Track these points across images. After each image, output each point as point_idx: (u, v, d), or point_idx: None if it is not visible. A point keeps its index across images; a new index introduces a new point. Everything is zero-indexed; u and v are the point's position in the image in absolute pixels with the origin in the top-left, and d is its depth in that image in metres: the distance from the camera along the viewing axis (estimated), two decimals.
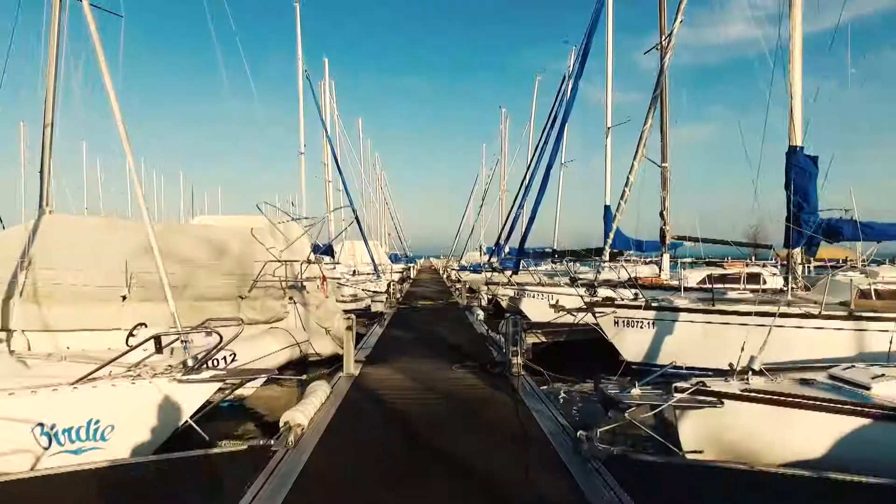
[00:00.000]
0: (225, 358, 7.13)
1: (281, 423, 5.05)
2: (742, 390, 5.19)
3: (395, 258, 43.64)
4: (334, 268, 27.87)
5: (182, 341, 5.43)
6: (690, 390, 5.21)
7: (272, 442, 4.63)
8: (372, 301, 20.19)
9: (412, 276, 40.86)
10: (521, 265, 30.00)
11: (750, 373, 5.47)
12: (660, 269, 15.21)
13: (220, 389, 5.90)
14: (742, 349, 5.88)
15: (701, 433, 5.29)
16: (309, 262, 11.46)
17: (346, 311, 15.79)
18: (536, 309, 14.41)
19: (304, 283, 11.12)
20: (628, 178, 10.53)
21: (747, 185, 8.87)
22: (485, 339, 10.73)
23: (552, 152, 15.66)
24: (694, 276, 15.74)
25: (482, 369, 7.70)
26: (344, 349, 7.30)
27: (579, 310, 10.46)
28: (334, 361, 10.13)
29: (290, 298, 10.47)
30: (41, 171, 9.65)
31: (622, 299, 10.22)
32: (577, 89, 15.10)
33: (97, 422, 4.68)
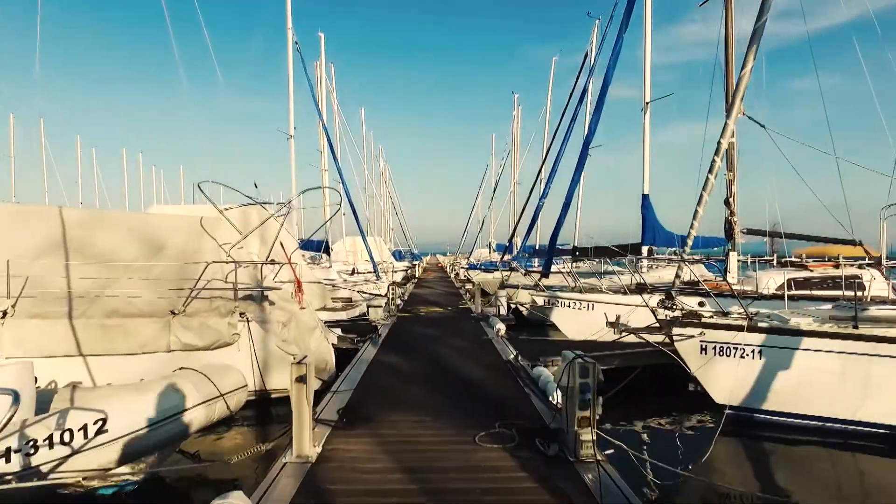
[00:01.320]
0: (85, 427, 4.14)
1: None
2: None
3: (398, 255, 40.72)
4: (330, 266, 25.01)
5: None
6: None
7: None
8: (369, 306, 17.21)
9: (417, 275, 37.83)
10: (540, 263, 27.01)
11: None
12: (725, 270, 12.10)
13: None
14: None
15: None
16: (273, 261, 8.46)
17: (330, 325, 12.86)
18: (573, 322, 11.37)
19: (268, 292, 8.13)
20: (719, 143, 7.47)
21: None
22: (515, 371, 7.69)
23: (591, 126, 12.59)
24: (766, 280, 12.63)
25: (525, 443, 4.66)
26: (293, 417, 4.28)
27: (650, 330, 7.43)
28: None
29: (242, 314, 7.49)
30: None
31: (711, 316, 7.16)
32: (621, 45, 11.98)
33: None
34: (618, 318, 7.40)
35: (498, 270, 27.20)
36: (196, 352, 7.34)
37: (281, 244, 9.60)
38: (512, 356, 8.57)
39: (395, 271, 29.04)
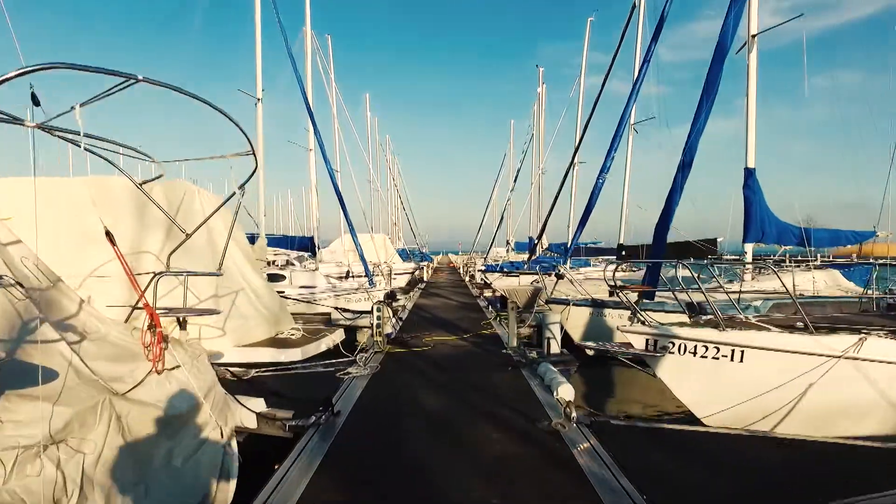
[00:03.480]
0: None
1: None
2: None
3: (404, 254, 35.36)
4: (317, 269, 19.83)
5: None
6: None
7: None
8: (355, 327, 12.06)
9: (426, 278, 32.54)
10: (574, 266, 21.51)
11: None
12: None
13: None
14: None
15: None
16: (49, 281, 3.21)
17: (261, 380, 7.43)
18: (701, 382, 6.00)
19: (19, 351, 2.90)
20: None
21: None
22: None
23: (726, 27, 7.22)
24: None
25: None
26: None
27: None
28: None
29: None
30: None
31: None
32: None
33: None
34: None
35: (523, 273, 21.83)
36: None
37: (109, 235, 4.37)
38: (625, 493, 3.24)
39: (397, 274, 23.70)
